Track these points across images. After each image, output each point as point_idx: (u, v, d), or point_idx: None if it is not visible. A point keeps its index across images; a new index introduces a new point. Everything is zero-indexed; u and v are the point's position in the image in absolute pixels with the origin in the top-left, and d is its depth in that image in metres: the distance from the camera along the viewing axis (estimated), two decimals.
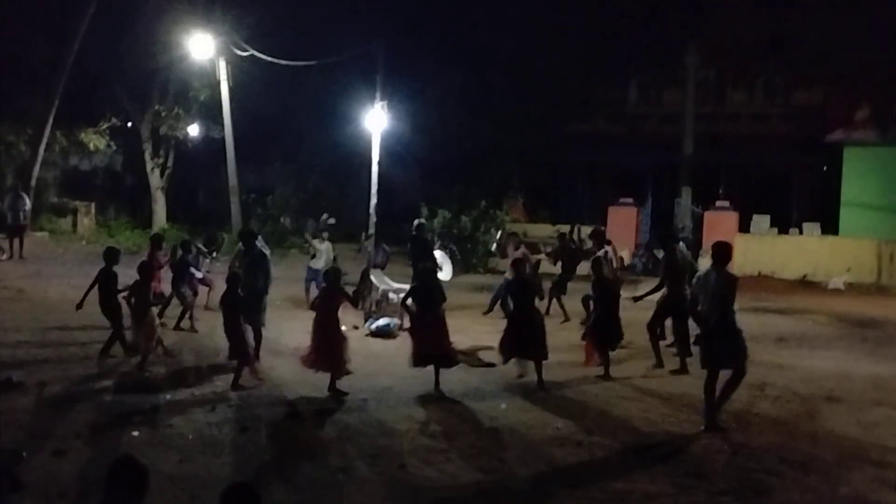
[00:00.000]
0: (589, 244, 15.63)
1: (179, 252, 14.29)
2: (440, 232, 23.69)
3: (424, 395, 9.98)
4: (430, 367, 10.32)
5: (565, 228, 22.55)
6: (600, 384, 10.74)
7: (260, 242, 12.43)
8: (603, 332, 11.22)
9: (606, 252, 13.80)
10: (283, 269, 22.60)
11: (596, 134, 31.59)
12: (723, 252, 8.92)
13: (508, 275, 16.14)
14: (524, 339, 10.59)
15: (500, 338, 10.87)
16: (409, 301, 10.60)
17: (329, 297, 10.20)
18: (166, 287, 13.68)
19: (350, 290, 11.20)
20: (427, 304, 10.43)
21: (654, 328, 11.81)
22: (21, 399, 9.25)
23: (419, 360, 10.25)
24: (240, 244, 13.04)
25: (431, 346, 10.20)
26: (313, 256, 16.73)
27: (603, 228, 16.23)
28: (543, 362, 10.57)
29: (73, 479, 6.94)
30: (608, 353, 11.24)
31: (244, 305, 10.61)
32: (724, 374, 8.88)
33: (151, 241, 14.32)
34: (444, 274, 14.71)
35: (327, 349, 9.89)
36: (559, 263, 16.83)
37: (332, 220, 22.37)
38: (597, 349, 11.29)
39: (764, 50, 30.78)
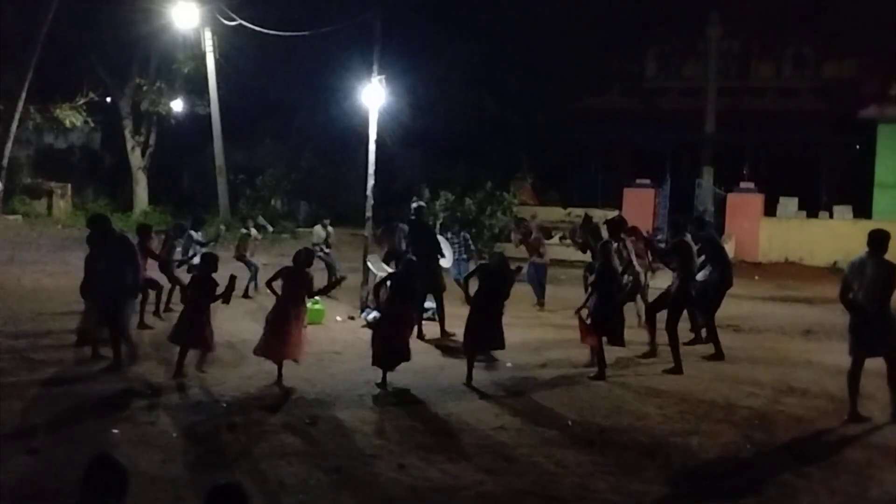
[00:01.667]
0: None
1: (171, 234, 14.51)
2: (445, 219, 23.60)
3: (425, 389, 9.99)
4: (431, 361, 10.40)
5: (578, 212, 22.53)
6: (614, 379, 10.74)
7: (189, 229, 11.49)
8: (601, 322, 10.88)
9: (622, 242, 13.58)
10: (274, 255, 22.73)
11: (610, 110, 31.50)
12: (880, 239, 9.21)
13: (537, 258, 16.14)
14: (485, 330, 10.54)
15: (464, 332, 10.81)
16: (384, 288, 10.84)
17: (291, 278, 10.26)
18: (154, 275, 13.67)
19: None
20: (403, 297, 10.49)
21: (652, 314, 11.93)
22: None
23: (376, 359, 10.21)
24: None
25: (393, 342, 10.16)
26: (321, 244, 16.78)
27: (617, 217, 15.98)
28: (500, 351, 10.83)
29: (47, 480, 6.94)
30: (602, 347, 10.86)
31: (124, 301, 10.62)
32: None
33: (139, 230, 13.66)
34: (446, 261, 14.69)
35: (274, 335, 10.02)
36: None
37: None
38: (592, 340, 11.05)
39: (792, 19, 30.64)
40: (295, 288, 10.22)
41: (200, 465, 7.45)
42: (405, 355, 10.18)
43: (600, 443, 8.32)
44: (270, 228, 16.43)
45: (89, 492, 4.44)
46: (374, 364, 10.19)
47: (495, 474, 7.45)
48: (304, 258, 10.46)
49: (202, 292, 10.34)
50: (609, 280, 11.02)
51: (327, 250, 17.41)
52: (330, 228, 17.73)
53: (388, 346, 10.11)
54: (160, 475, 7.16)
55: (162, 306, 13.92)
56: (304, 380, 10.15)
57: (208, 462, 7.56)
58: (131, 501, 4.55)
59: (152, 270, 13.59)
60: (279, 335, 10.02)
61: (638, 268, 13.22)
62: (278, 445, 8.00)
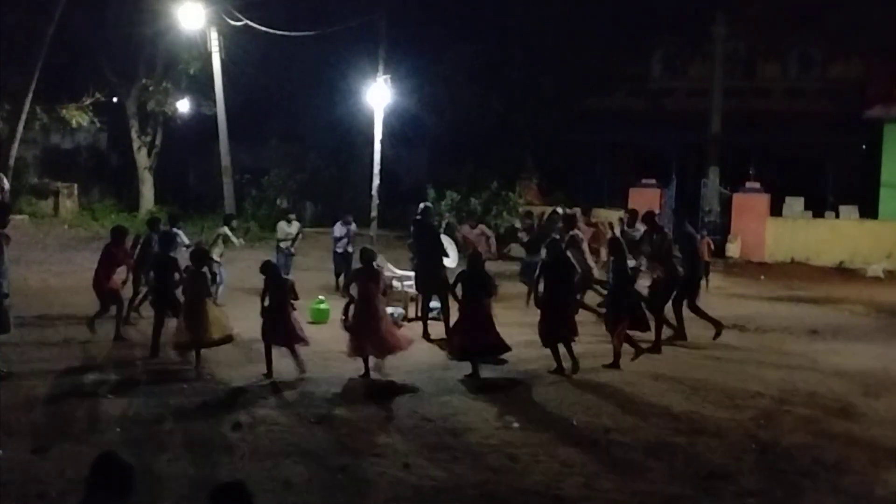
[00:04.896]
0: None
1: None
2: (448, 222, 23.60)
3: (429, 388, 10.00)
4: (436, 361, 10.44)
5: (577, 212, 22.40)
6: (620, 378, 10.72)
7: None
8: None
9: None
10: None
11: (616, 110, 31.44)
12: None
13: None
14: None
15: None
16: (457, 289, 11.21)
17: (365, 277, 10.70)
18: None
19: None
20: (474, 293, 10.77)
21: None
22: None
23: (460, 352, 10.67)
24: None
25: (476, 338, 10.55)
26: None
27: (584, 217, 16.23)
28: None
29: (53, 479, 6.96)
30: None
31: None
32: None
33: (112, 233, 13.21)
34: (450, 261, 14.68)
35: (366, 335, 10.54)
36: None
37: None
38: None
39: (798, 20, 30.50)
40: (371, 285, 10.60)
41: (205, 465, 7.45)
42: (501, 347, 10.66)
43: (605, 442, 8.31)
44: (237, 243, 15.54)
45: (94, 491, 4.44)
46: (454, 358, 10.81)
47: (500, 473, 7.45)
48: (370, 255, 10.99)
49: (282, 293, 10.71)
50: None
51: (293, 249, 17.00)
52: (296, 224, 17.29)
53: (476, 342, 10.52)
54: (165, 474, 7.17)
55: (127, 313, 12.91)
56: (309, 379, 10.15)
57: (213, 461, 7.56)
58: (136, 500, 4.54)
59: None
60: (371, 333, 10.42)
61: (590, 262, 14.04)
62: (283, 444, 8.00)
